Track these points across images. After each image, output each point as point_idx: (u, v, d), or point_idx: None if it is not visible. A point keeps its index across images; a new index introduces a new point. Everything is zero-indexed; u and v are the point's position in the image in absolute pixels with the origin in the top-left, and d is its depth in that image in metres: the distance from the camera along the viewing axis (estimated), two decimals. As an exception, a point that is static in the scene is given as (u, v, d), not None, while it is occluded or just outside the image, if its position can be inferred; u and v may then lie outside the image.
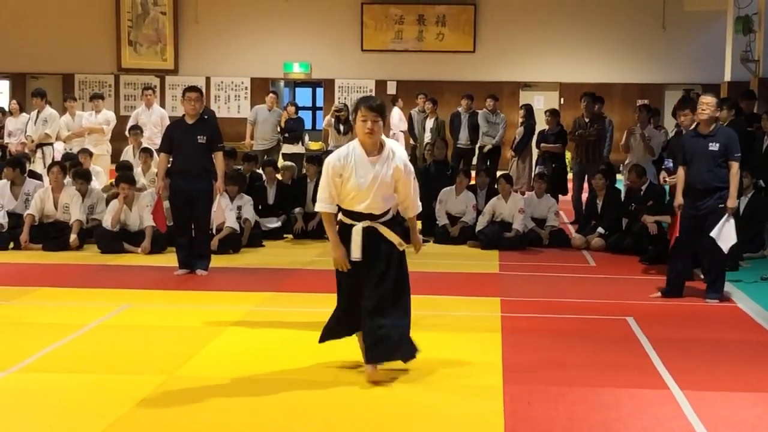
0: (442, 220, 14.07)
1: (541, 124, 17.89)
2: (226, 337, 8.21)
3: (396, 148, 6.91)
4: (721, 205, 9.75)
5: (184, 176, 11.05)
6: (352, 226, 6.77)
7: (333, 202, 6.77)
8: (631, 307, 9.63)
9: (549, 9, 26.26)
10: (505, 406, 6.28)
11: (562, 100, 26.15)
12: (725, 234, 9.72)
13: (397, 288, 6.81)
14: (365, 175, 6.68)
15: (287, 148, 19.08)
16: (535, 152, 17.21)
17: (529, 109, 18.01)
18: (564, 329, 8.70)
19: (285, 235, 14.24)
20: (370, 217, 6.77)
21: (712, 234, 9.71)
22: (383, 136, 6.85)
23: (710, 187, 9.80)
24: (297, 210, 14.34)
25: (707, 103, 9.74)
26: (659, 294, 10.17)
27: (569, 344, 8.09)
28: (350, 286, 6.88)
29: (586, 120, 15.82)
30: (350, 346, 7.25)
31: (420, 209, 7.10)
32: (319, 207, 6.82)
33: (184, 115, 11.38)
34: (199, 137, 11.02)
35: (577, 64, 26.33)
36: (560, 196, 15.94)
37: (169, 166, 11.54)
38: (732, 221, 9.72)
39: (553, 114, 16.69)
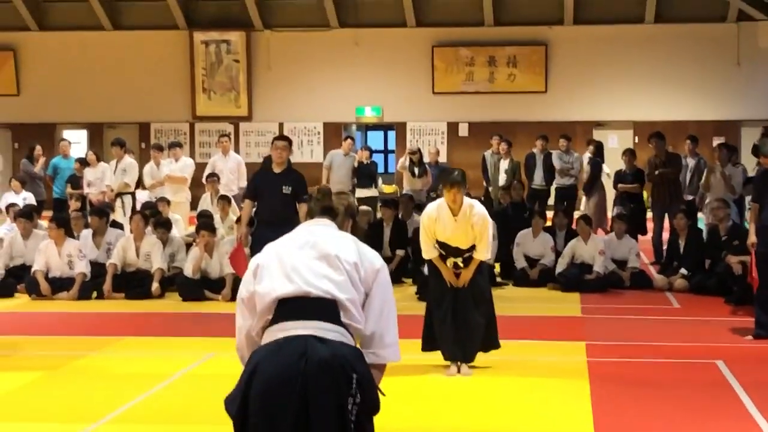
0: (520, 263, 13.96)
1: (618, 163, 17.73)
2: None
3: (475, 205, 8.50)
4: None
5: (268, 225, 11.06)
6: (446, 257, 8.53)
7: (433, 248, 8.53)
8: (720, 350, 9.44)
9: (620, 47, 26.10)
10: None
11: (636, 138, 25.91)
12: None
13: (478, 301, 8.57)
14: (448, 228, 8.45)
15: (361, 192, 19.11)
16: (610, 192, 17.03)
17: (598, 146, 17.87)
18: (653, 375, 8.54)
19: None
20: (456, 250, 8.50)
21: None
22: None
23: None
24: (375, 254, 14.31)
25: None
26: (750, 337, 9.97)
27: (659, 391, 7.94)
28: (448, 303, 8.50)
29: (661, 159, 15.61)
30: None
31: (488, 257, 8.65)
32: (426, 255, 8.62)
33: (270, 163, 11.46)
34: (284, 187, 11.06)
35: (650, 101, 26.10)
36: (639, 236, 15.73)
37: (252, 213, 11.62)
38: None
39: (630, 154, 16.53)
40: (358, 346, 4.03)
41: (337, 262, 4.03)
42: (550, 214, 15.34)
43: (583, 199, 17.27)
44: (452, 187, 8.33)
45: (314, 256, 4.07)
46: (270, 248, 4.25)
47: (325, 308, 3.92)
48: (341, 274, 4.00)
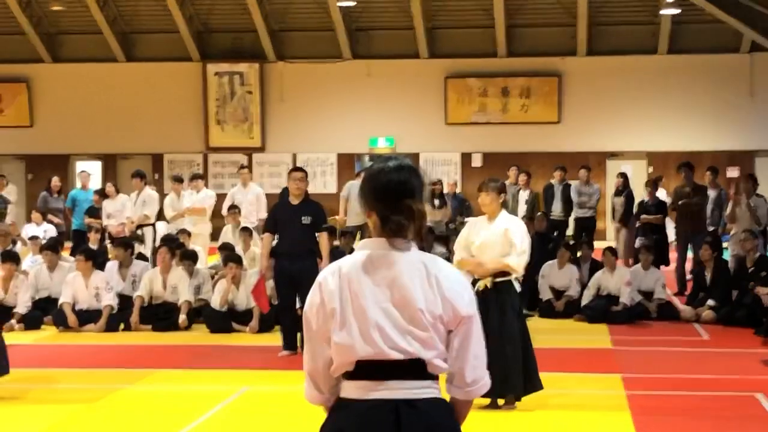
0: (545, 294, 13.93)
1: (638, 195, 17.78)
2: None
3: (516, 218, 8.92)
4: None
5: (289, 257, 11.06)
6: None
7: (462, 251, 8.59)
8: (758, 383, 9.40)
9: (633, 77, 26.15)
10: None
11: (650, 168, 25.94)
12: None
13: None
14: (481, 234, 8.53)
15: (379, 223, 19.10)
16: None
17: (626, 177, 17.90)
18: (694, 408, 8.51)
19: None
20: None
21: None
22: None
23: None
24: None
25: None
26: (786, 369, 9.94)
27: (704, 425, 7.91)
28: None
29: (688, 190, 15.64)
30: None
31: (518, 267, 8.36)
32: (456, 257, 8.58)
33: (288, 196, 11.46)
34: (303, 218, 11.05)
35: (664, 132, 26.13)
36: (662, 267, 15.71)
37: (273, 246, 11.60)
38: None
39: (653, 185, 16.55)
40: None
41: (420, 317, 3.55)
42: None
43: (618, 231, 17.26)
44: (481, 190, 8.52)
45: (394, 301, 3.57)
46: (342, 280, 3.58)
47: (410, 367, 3.57)
48: (425, 330, 3.56)
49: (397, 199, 3.53)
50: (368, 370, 3.53)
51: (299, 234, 11.05)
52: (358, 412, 3.54)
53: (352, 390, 3.56)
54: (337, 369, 3.58)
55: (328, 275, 3.57)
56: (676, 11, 23.95)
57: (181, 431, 7.84)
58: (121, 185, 19.50)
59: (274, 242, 11.71)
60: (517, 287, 8.55)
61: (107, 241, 16.77)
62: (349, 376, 3.56)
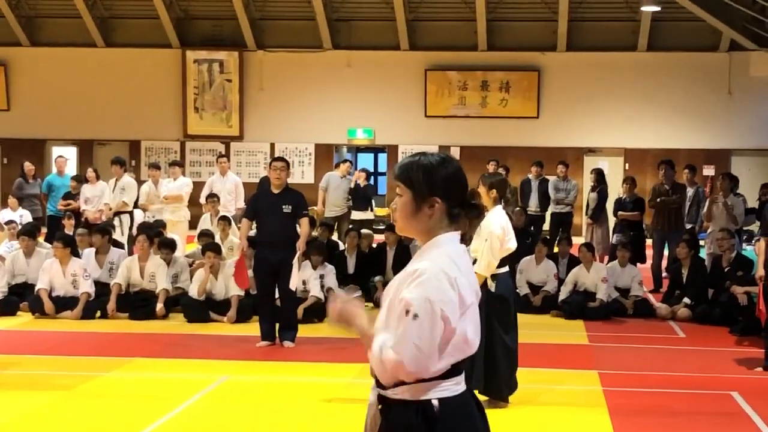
0: (523, 289, 13.97)
1: (614, 191, 17.84)
2: (333, 412, 8.16)
3: (492, 212, 8.39)
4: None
5: (270, 246, 11.05)
6: None
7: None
8: (733, 382, 9.48)
9: (613, 74, 26.24)
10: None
11: (627, 165, 26.04)
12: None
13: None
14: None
15: (357, 215, 19.12)
16: (611, 219, 17.09)
17: (600, 174, 17.97)
18: (670, 406, 8.57)
19: (366, 304, 14.15)
20: None
21: None
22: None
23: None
24: (377, 278, 14.32)
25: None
26: (761, 368, 10.01)
27: (680, 422, 7.96)
28: None
29: (667, 187, 15.72)
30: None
31: (481, 271, 8.02)
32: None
33: (268, 185, 11.46)
34: (284, 207, 11.04)
35: (641, 129, 26.24)
36: (639, 264, 15.79)
37: (252, 235, 11.60)
38: None
39: (630, 182, 16.63)
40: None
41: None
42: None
43: (589, 227, 17.30)
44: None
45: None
46: (463, 275, 3.51)
47: None
48: None
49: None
50: (461, 365, 3.54)
51: (280, 223, 11.04)
52: (464, 401, 3.52)
53: (449, 387, 3.50)
54: (445, 366, 3.46)
55: (454, 271, 3.46)
56: (657, 8, 24.02)
57: (161, 419, 7.83)
58: (101, 172, 19.38)
59: (253, 231, 11.72)
60: (491, 286, 8.33)
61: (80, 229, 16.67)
62: (445, 374, 3.48)
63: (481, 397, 8.08)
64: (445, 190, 3.51)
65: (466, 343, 3.47)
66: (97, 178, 17.80)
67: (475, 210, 3.59)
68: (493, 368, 8.13)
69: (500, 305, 8.24)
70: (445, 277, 3.41)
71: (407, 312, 3.37)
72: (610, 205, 17.17)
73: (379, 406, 3.52)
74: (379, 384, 3.51)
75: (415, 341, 3.35)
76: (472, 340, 3.49)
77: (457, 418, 3.47)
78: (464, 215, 3.56)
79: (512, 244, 8.36)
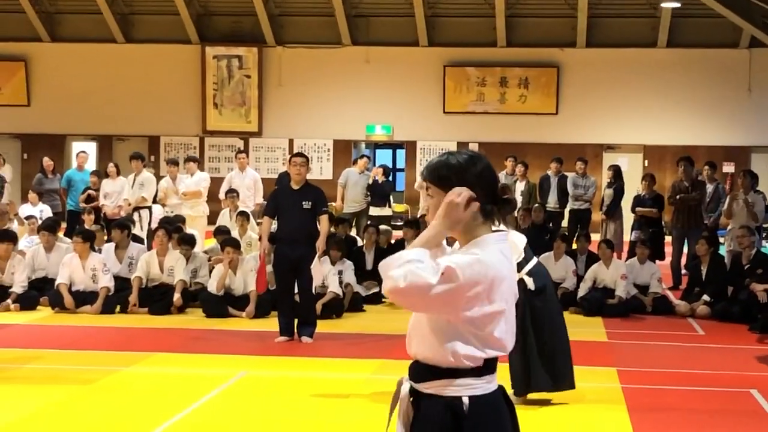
0: (541, 286, 13.93)
1: (633, 188, 17.80)
2: (352, 407, 8.17)
3: None
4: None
5: (290, 242, 11.06)
6: None
7: None
8: (752, 379, 9.44)
9: (632, 71, 26.16)
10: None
11: (646, 162, 25.98)
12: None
13: None
14: None
15: (375, 211, 19.14)
16: (628, 215, 17.04)
17: (617, 170, 17.92)
18: (689, 404, 8.55)
19: (383, 299, 14.17)
20: None
21: None
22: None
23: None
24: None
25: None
26: (780, 365, 9.99)
27: (698, 420, 7.94)
28: None
29: (686, 184, 15.67)
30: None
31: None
32: None
33: (287, 180, 11.47)
34: (304, 203, 11.05)
35: (660, 126, 26.15)
36: (657, 261, 15.75)
37: (272, 231, 11.61)
38: None
39: (649, 178, 16.58)
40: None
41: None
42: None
43: (602, 222, 17.27)
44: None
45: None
46: (507, 275, 3.51)
47: None
48: None
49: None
50: (493, 363, 3.54)
51: (300, 219, 11.04)
52: (494, 400, 3.53)
53: (480, 385, 3.50)
54: (476, 360, 3.46)
55: (502, 263, 3.46)
56: (677, 5, 23.93)
57: (180, 413, 7.86)
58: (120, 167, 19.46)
59: (273, 227, 11.74)
60: (529, 283, 8.33)
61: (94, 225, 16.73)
62: (479, 371, 3.49)
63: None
64: (476, 187, 3.49)
65: (494, 341, 3.47)
66: (118, 173, 17.87)
67: (508, 205, 3.60)
68: (558, 363, 8.21)
69: (545, 299, 8.29)
70: (478, 263, 3.39)
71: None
72: (627, 203, 17.13)
73: (411, 399, 3.53)
74: (411, 377, 3.52)
75: (425, 272, 3.29)
76: (501, 340, 3.48)
77: (486, 417, 3.48)
78: (497, 211, 3.56)
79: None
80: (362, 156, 20.21)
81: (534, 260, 8.41)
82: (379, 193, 19.15)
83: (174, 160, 18.32)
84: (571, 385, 8.30)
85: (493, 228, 3.55)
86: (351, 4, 26.65)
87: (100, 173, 18.81)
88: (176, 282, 12.94)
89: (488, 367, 3.48)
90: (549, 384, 8.17)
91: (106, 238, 14.49)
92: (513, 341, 3.54)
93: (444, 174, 3.52)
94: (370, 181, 19.14)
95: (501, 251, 3.49)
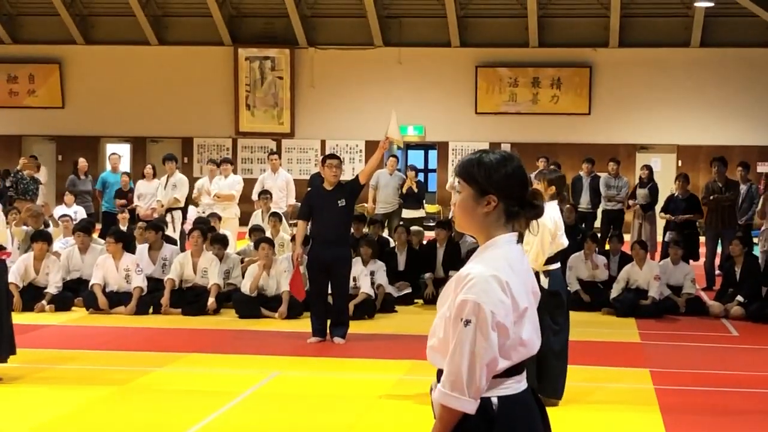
0: (573, 286, 13.91)
1: (666, 188, 17.71)
2: (384, 408, 8.19)
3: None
4: None
5: (324, 243, 11.08)
6: None
7: None
8: (787, 381, 9.38)
9: (665, 70, 26.03)
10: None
11: (679, 162, 25.84)
12: None
13: None
14: None
15: (407, 213, 19.12)
16: (659, 217, 16.98)
17: (651, 170, 17.86)
18: (723, 405, 8.51)
19: (415, 300, 14.19)
20: None
21: None
22: None
23: None
24: (427, 275, 14.32)
25: None
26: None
27: (731, 422, 7.90)
28: None
29: (720, 185, 15.59)
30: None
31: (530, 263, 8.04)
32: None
33: (320, 181, 11.50)
34: (339, 201, 11.08)
35: (694, 126, 26.01)
36: (692, 261, 15.67)
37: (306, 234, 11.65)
38: None
39: (683, 179, 16.51)
40: None
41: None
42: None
43: (639, 224, 17.20)
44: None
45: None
46: (517, 276, 3.50)
47: None
48: None
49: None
50: (522, 364, 3.52)
51: (335, 219, 11.07)
52: (524, 400, 3.52)
53: (510, 385, 3.49)
54: (502, 367, 3.43)
55: (507, 274, 3.42)
56: (710, 4, 23.80)
57: (213, 414, 7.91)
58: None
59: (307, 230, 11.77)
60: (544, 282, 8.26)
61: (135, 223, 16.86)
62: (507, 371, 3.46)
63: None
64: (503, 188, 3.48)
65: (522, 345, 3.45)
66: (154, 175, 17.99)
67: (534, 210, 3.56)
68: (544, 366, 8.11)
69: (553, 301, 8.21)
70: (495, 280, 3.38)
71: (460, 319, 3.34)
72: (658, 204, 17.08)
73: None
74: (440, 378, 3.48)
75: (469, 347, 3.32)
76: (529, 341, 3.47)
77: (516, 417, 3.46)
78: (523, 215, 3.54)
79: (563, 240, 8.31)
80: (390, 156, 20.18)
81: (557, 264, 8.36)
82: (414, 198, 19.16)
83: (216, 160, 18.37)
84: (554, 395, 8.16)
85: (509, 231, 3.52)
86: (383, 4, 26.69)
87: (129, 174, 18.95)
88: (210, 285, 12.99)
89: (516, 367, 3.48)
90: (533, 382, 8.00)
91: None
92: (539, 341, 3.53)
93: (472, 171, 3.51)
94: (404, 190, 19.09)
95: (504, 256, 3.46)
